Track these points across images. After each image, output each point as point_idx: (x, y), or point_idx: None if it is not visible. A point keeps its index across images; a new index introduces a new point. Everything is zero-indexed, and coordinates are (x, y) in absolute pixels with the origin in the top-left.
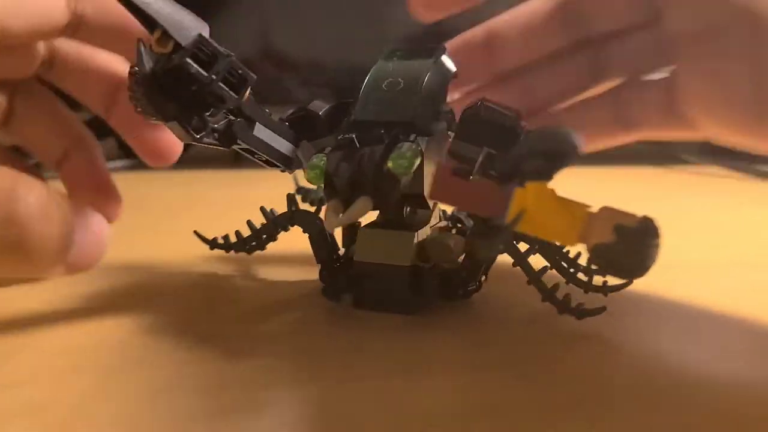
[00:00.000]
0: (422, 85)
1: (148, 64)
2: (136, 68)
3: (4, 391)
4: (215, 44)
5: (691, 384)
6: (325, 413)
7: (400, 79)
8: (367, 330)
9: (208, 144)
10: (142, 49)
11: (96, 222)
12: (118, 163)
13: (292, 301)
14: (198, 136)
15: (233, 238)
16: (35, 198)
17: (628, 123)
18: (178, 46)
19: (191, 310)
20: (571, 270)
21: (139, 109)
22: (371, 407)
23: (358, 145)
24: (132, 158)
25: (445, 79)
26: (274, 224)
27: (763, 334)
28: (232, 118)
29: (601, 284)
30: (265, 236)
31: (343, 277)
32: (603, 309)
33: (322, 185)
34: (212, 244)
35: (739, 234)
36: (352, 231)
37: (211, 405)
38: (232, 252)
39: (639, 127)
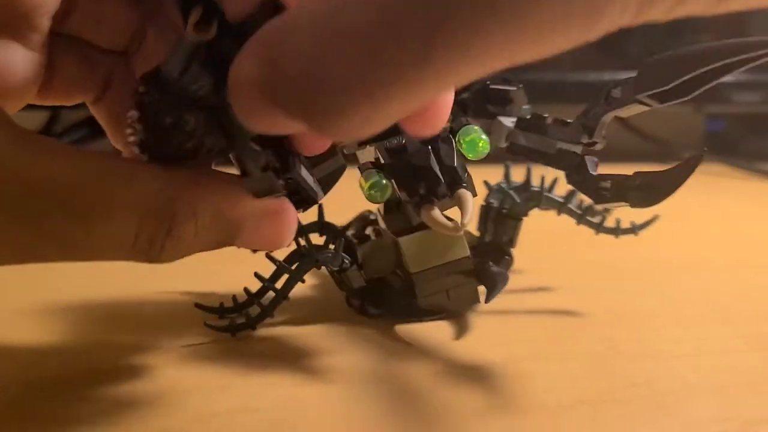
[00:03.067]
0: None
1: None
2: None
3: None
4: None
5: (691, 384)
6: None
7: None
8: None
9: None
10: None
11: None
12: None
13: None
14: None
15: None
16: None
17: None
18: (223, 28)
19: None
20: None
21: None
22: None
23: (408, 149)
24: None
25: None
26: (299, 273)
27: (763, 334)
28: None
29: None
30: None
31: (390, 298)
32: (654, 218)
33: (383, 202)
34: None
35: (739, 233)
36: (355, 255)
37: None
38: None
39: None
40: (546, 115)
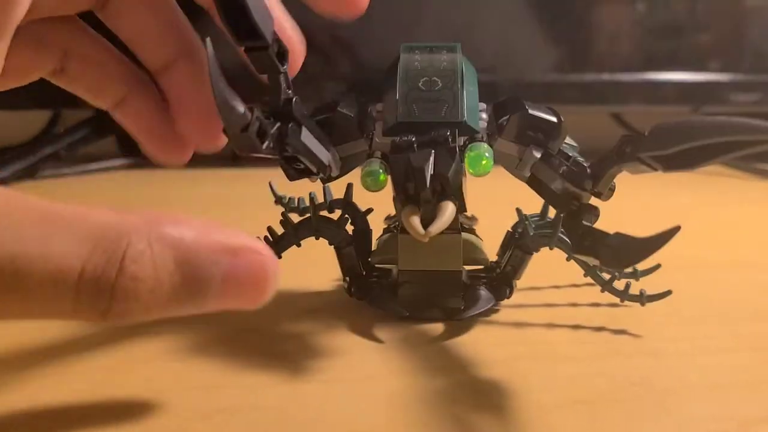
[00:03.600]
0: (461, 84)
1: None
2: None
3: None
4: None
5: (690, 383)
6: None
7: (435, 78)
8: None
9: (266, 155)
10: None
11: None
12: (117, 162)
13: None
14: (263, 146)
15: None
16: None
17: None
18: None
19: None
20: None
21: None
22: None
23: (416, 148)
24: (131, 157)
25: (475, 76)
26: (295, 234)
27: (763, 333)
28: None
29: (638, 293)
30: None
31: (379, 287)
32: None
33: (375, 191)
34: None
35: (738, 233)
36: (366, 239)
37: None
38: None
39: None
40: (570, 155)
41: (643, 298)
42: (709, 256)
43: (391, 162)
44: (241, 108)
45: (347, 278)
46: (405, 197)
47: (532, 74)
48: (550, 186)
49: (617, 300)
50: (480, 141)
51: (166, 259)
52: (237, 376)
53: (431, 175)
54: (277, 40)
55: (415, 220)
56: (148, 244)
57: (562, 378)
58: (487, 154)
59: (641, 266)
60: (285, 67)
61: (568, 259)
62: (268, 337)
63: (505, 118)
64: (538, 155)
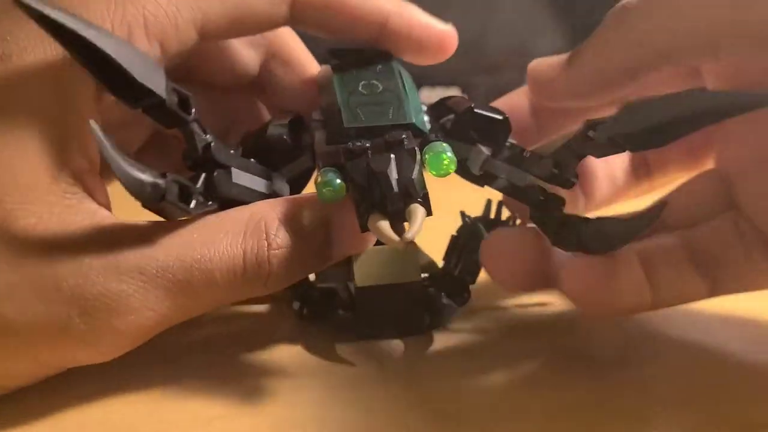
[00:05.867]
0: (403, 86)
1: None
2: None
3: None
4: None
5: (690, 387)
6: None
7: (374, 82)
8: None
9: (199, 212)
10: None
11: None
12: None
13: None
14: (191, 207)
15: None
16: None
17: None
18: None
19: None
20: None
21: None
22: None
23: (370, 153)
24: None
25: (410, 77)
26: None
27: (764, 335)
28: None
29: None
30: None
31: (332, 308)
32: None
33: (334, 201)
34: None
35: None
36: None
37: None
38: None
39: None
40: (525, 148)
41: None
42: None
43: (350, 169)
44: (149, 178)
45: (296, 301)
46: (369, 205)
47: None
48: (510, 182)
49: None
50: (435, 140)
51: (293, 228)
52: (235, 380)
53: (396, 179)
54: (175, 90)
55: (387, 227)
56: (277, 220)
57: (560, 382)
58: (448, 153)
59: None
60: (192, 114)
61: None
62: (268, 341)
63: (448, 117)
64: (487, 152)
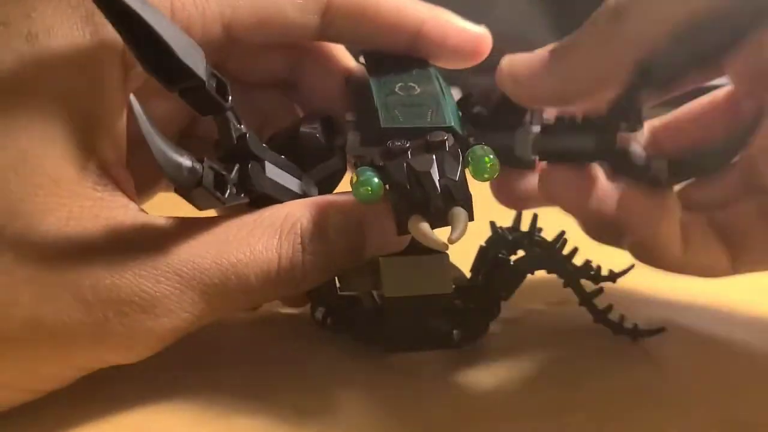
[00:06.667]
0: (441, 91)
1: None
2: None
3: None
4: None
5: (690, 387)
6: None
7: (411, 84)
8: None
9: (231, 203)
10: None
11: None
12: None
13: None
14: (226, 197)
15: None
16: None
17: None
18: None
19: None
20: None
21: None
22: None
23: (410, 153)
24: None
25: (445, 81)
26: None
27: (763, 336)
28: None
29: (631, 327)
30: None
31: (360, 318)
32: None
33: (371, 202)
34: None
35: None
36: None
37: None
38: None
39: (746, 249)
40: (571, 117)
41: (636, 333)
42: None
43: (390, 168)
44: (188, 162)
45: (320, 308)
46: (409, 206)
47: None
48: (577, 148)
49: (613, 303)
50: (476, 144)
51: (334, 220)
52: (235, 382)
53: (438, 180)
54: (214, 74)
55: (428, 229)
56: (312, 222)
57: (559, 383)
58: (491, 156)
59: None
60: (229, 101)
61: (565, 285)
62: (268, 343)
63: (479, 108)
64: (535, 130)
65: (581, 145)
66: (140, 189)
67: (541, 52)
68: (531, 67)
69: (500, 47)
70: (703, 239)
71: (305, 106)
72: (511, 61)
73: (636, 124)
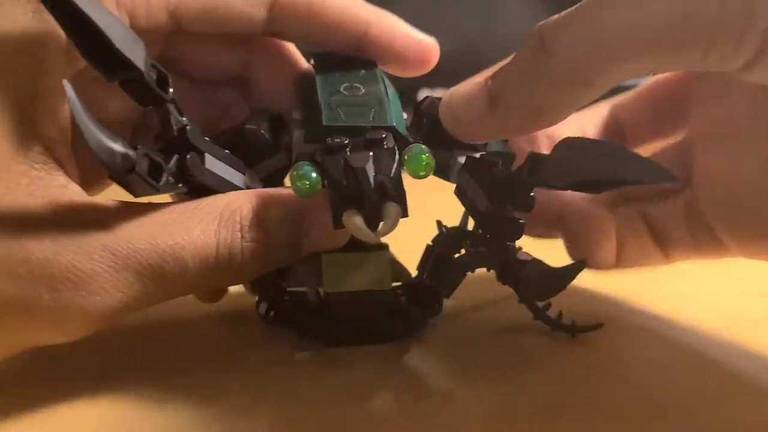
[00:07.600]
0: (386, 92)
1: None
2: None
3: None
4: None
5: (690, 391)
6: None
7: (357, 84)
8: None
9: (168, 192)
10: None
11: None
12: None
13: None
14: (160, 184)
15: None
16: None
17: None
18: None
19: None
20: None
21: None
22: None
23: (348, 151)
24: None
25: (391, 84)
26: None
27: (764, 340)
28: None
29: (569, 323)
30: None
31: (302, 312)
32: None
33: (309, 196)
34: None
35: None
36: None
37: None
38: None
39: (673, 245)
40: (497, 160)
41: (574, 329)
42: (709, 261)
43: (327, 164)
44: (121, 148)
45: (262, 302)
46: (344, 201)
47: None
48: (474, 201)
49: (613, 306)
50: (415, 143)
51: (268, 220)
52: (234, 382)
53: (373, 176)
54: (154, 66)
55: (361, 222)
56: (252, 211)
57: (558, 385)
58: (427, 154)
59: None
60: (170, 93)
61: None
62: (266, 344)
63: (427, 119)
64: (461, 160)
65: (478, 200)
66: (94, 175)
67: (478, 88)
68: (468, 105)
69: (503, 52)
70: (636, 239)
71: (256, 104)
72: (451, 97)
73: (524, 204)
